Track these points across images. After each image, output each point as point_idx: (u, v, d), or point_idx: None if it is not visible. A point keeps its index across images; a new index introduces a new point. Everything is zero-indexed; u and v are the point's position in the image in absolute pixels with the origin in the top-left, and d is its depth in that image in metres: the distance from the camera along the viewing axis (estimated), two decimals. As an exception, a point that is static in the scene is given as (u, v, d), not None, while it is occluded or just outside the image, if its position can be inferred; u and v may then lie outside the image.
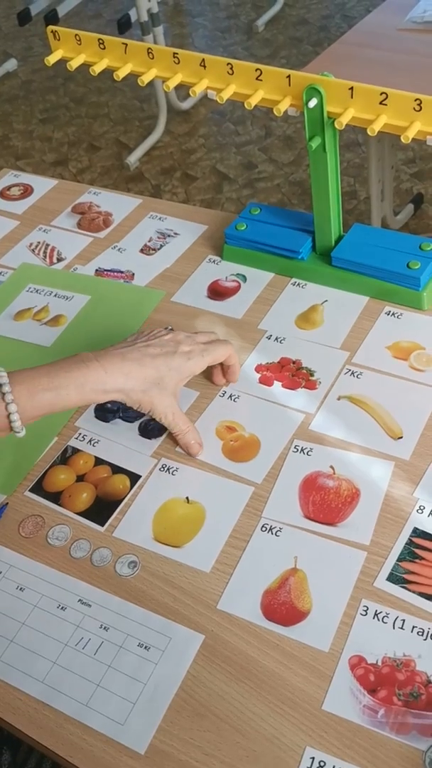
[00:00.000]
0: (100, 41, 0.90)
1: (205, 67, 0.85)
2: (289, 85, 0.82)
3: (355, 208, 2.36)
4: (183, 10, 3.65)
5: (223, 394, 0.84)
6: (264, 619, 0.66)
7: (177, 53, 0.86)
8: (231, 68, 0.84)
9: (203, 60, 0.85)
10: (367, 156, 1.94)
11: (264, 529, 0.72)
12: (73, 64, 0.91)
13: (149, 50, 0.88)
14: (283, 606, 0.66)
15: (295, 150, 2.66)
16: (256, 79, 0.83)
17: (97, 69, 0.90)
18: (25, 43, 3.54)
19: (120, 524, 0.75)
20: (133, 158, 2.69)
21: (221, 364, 0.83)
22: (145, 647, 0.66)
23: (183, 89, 0.88)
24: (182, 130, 2.85)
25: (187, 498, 0.76)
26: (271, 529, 0.72)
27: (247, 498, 0.74)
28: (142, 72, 0.89)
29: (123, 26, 2.69)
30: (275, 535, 0.71)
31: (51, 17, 2.82)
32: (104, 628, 0.68)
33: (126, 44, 0.89)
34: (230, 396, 0.84)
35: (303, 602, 0.66)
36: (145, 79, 0.88)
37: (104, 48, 0.90)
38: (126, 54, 0.89)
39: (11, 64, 3.31)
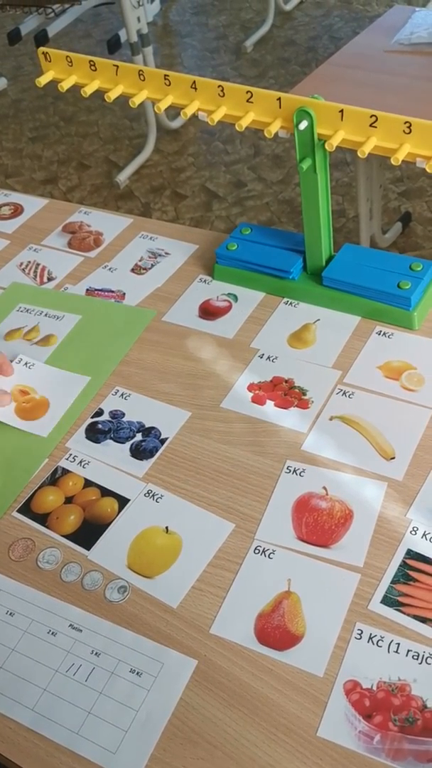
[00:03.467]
0: (91, 63, 0.90)
1: (196, 89, 0.86)
2: (280, 107, 0.82)
3: (344, 226, 2.37)
4: (172, 30, 3.68)
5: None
6: (257, 644, 0.65)
7: (168, 75, 0.86)
8: (222, 90, 0.84)
9: (194, 82, 0.85)
10: (356, 175, 1.96)
11: (257, 551, 0.71)
12: (64, 86, 0.92)
13: (140, 72, 0.88)
14: (276, 630, 0.66)
15: (284, 169, 2.68)
16: (247, 101, 0.83)
17: (88, 90, 0.91)
18: (15, 63, 3.56)
19: (97, 546, 0.74)
20: (122, 176, 2.70)
21: None
22: (137, 673, 0.65)
23: (173, 109, 0.88)
24: (172, 148, 2.87)
25: (166, 528, 0.75)
26: (264, 551, 0.71)
27: (226, 534, 0.73)
28: (133, 94, 0.89)
29: (113, 46, 2.71)
30: (268, 557, 0.71)
31: (41, 37, 2.84)
32: (95, 653, 0.67)
33: (117, 66, 0.89)
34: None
35: (297, 626, 0.66)
36: (137, 100, 0.88)
37: (95, 69, 0.91)
38: (117, 75, 0.90)
39: (1, 83, 3.32)
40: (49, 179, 2.80)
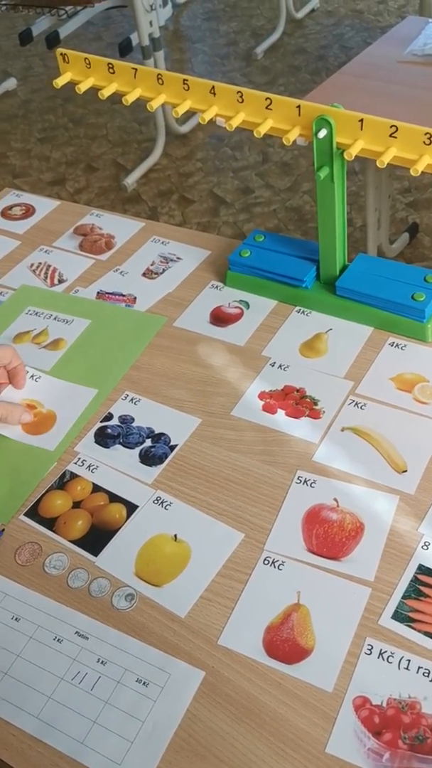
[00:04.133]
0: (110, 65, 0.90)
1: (214, 94, 0.85)
2: (299, 115, 0.82)
3: (351, 235, 2.36)
4: (183, 35, 3.69)
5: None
6: (266, 656, 0.64)
7: (187, 80, 0.86)
8: (241, 96, 0.84)
9: (213, 87, 0.85)
10: (365, 185, 1.96)
11: (266, 562, 0.71)
12: (82, 88, 0.91)
13: (159, 76, 0.88)
14: (285, 643, 0.65)
15: (292, 176, 2.68)
16: (266, 108, 0.83)
17: (105, 93, 0.90)
18: (26, 63, 3.56)
19: (105, 553, 0.73)
20: (130, 180, 2.70)
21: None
22: (144, 683, 0.64)
23: (183, 113, 0.88)
24: (180, 153, 2.87)
25: (175, 536, 0.74)
26: (273, 562, 0.71)
27: (236, 544, 0.72)
28: (151, 97, 0.89)
29: (124, 50, 2.71)
30: (278, 568, 0.70)
31: (52, 38, 2.84)
32: (101, 662, 0.66)
33: (135, 69, 0.89)
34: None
35: (306, 639, 0.65)
36: (154, 104, 0.88)
37: (113, 72, 0.90)
38: (135, 79, 0.89)
39: (11, 83, 3.32)
40: (56, 180, 2.80)
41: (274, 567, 0.70)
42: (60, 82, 0.93)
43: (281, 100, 0.82)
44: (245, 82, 3.21)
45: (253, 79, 3.23)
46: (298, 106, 0.81)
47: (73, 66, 0.93)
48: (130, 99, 0.89)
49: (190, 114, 0.87)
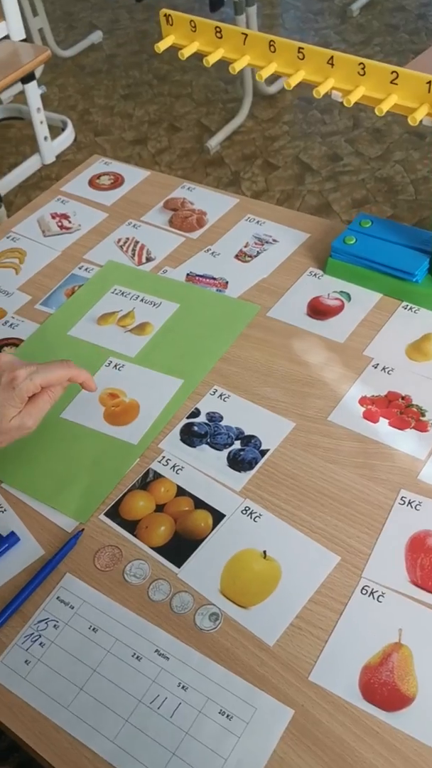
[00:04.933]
0: (218, 29, 0.82)
1: (332, 65, 0.77)
2: (429, 91, 0.73)
3: (445, 211, 2.23)
4: (275, -11, 3.52)
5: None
6: (362, 700, 0.59)
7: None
8: (363, 68, 0.75)
9: (332, 57, 0.77)
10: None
11: (364, 591, 0.65)
12: (185, 53, 0.84)
13: (271, 43, 0.79)
14: (384, 687, 0.59)
15: (384, 144, 2.53)
16: (391, 82, 0.74)
17: (211, 60, 0.83)
18: (112, 15, 3.47)
19: (188, 564, 0.69)
20: (213, 142, 2.61)
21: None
22: (227, 716, 0.60)
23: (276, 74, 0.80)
24: (266, 115, 2.75)
25: (264, 552, 0.69)
26: (372, 592, 0.65)
27: (330, 568, 0.67)
28: (260, 66, 0.81)
29: (215, 4, 2.59)
30: (377, 600, 0.64)
31: (141, -10, 2.74)
32: (183, 687, 0.62)
33: (246, 35, 0.81)
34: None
35: (408, 685, 0.59)
36: (264, 74, 0.80)
37: (221, 37, 0.83)
38: (245, 45, 0.81)
39: (96, 36, 3.25)
40: (138, 140, 2.73)
41: (373, 598, 0.64)
42: (162, 46, 0.86)
43: (410, 74, 0.73)
44: (339, 41, 3.05)
45: (347, 37, 3.07)
46: (429, 82, 0.72)
47: (177, 29, 0.85)
48: (237, 67, 0.82)
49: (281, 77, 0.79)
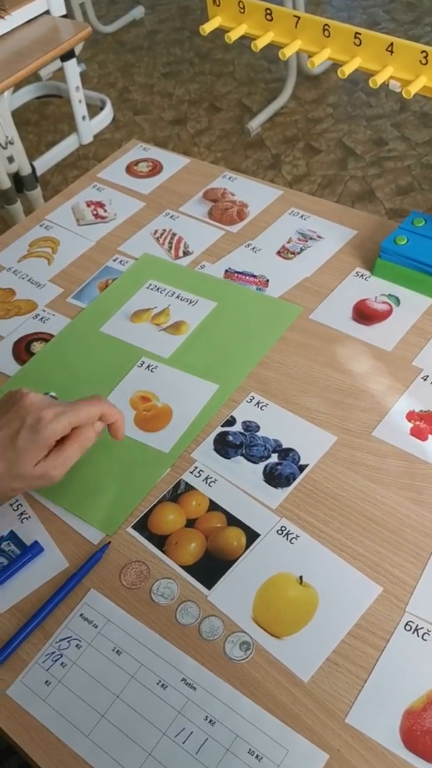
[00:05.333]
0: (268, 11, 0.76)
1: (392, 52, 0.71)
2: None
3: None
4: (323, -36, 3.41)
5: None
6: (403, 748, 0.55)
7: (359, 33, 0.72)
8: (425, 57, 0.69)
9: (391, 44, 0.71)
10: None
11: (408, 627, 0.60)
12: (232, 36, 0.79)
13: (326, 27, 0.74)
14: (428, 735, 0.55)
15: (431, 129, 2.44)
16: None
17: (260, 44, 0.77)
18: (154, -10, 3.40)
19: (219, 586, 0.65)
20: (255, 123, 2.54)
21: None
22: (257, 756, 0.56)
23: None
24: (310, 96, 2.67)
25: (300, 578, 0.64)
26: (417, 629, 0.60)
27: (372, 599, 0.62)
28: (313, 52, 0.75)
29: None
30: (422, 638, 0.60)
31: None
32: (210, 721, 0.58)
33: (298, 18, 0.75)
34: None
35: (453, 735, 0.55)
36: (316, 60, 0.75)
37: (271, 20, 0.77)
38: (296, 29, 0.76)
39: (138, 12, 3.18)
40: (178, 120, 2.67)
41: (417, 635, 0.60)
42: (207, 28, 0.81)
43: None
44: (387, 19, 2.94)
45: (396, 16, 2.96)
46: None
47: (224, 10, 0.80)
48: (287, 53, 0.76)
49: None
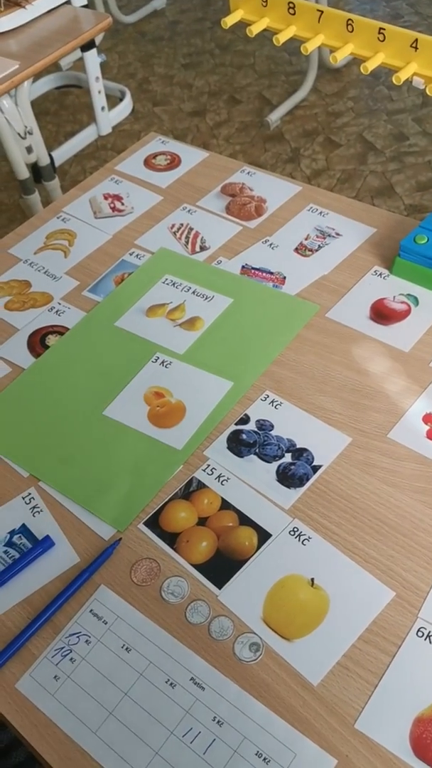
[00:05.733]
0: (290, 5, 0.75)
1: (416, 48, 0.70)
2: None
3: None
4: None
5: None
6: (413, 756, 0.54)
7: (384, 29, 0.71)
8: (416, 44, 0.68)
9: (416, 40, 0.69)
10: None
11: (420, 634, 0.60)
12: (254, 30, 0.78)
13: (349, 22, 0.73)
14: (437, 743, 0.54)
15: (454, 124, 2.41)
16: None
17: (281, 38, 0.76)
18: (176, -20, 3.38)
19: (229, 586, 0.64)
20: (274, 116, 2.52)
21: None
22: (265, 759, 0.56)
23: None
24: (331, 89, 2.65)
25: (312, 580, 0.64)
26: (429, 636, 0.59)
27: (384, 604, 0.61)
28: (336, 47, 0.74)
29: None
30: (434, 644, 0.59)
31: None
32: (218, 722, 0.58)
33: (321, 12, 0.74)
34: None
35: (463, 743, 0.54)
36: (339, 56, 0.73)
37: (294, 14, 0.76)
38: (319, 23, 0.75)
39: (160, 2, 3.16)
40: (197, 111, 2.65)
41: (430, 642, 0.59)
42: (229, 21, 0.80)
43: None
44: (411, 13, 2.91)
45: (420, 10, 2.92)
46: None
47: (246, 3, 0.79)
48: (310, 47, 0.75)
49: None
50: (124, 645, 0.63)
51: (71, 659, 0.62)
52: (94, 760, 0.57)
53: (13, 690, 0.61)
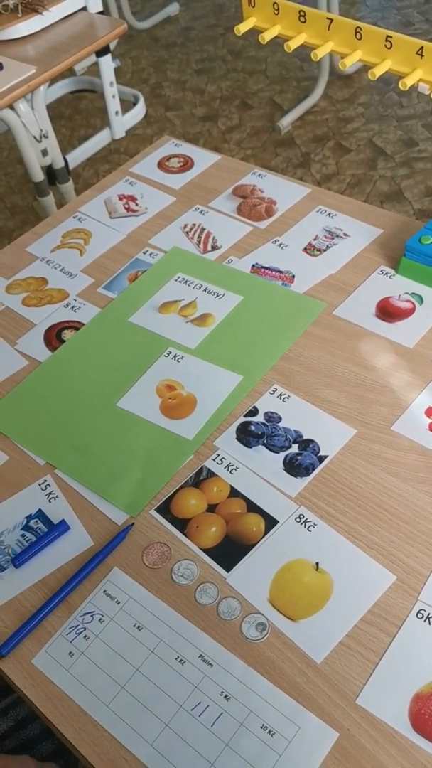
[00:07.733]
0: (301, 13, 0.78)
1: (422, 56, 0.73)
2: None
3: None
4: (358, -38, 3.40)
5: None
6: (411, 730, 0.57)
7: (390, 36, 0.74)
8: (421, 51, 0.71)
9: (421, 48, 0.72)
10: None
11: (420, 615, 0.62)
12: (266, 36, 0.81)
13: (357, 30, 0.75)
14: (435, 718, 0.57)
15: (463, 131, 2.44)
16: None
17: (292, 45, 0.79)
18: (189, -13, 3.42)
19: (237, 569, 0.67)
20: (285, 121, 2.55)
21: None
22: (270, 731, 0.58)
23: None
24: (341, 95, 2.68)
25: (317, 564, 0.66)
26: (428, 617, 0.62)
27: (385, 587, 0.64)
28: (344, 53, 0.77)
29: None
30: (433, 625, 0.61)
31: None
32: (225, 696, 0.60)
33: (331, 20, 0.77)
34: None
35: (460, 718, 0.57)
36: (348, 62, 0.76)
37: (305, 21, 0.79)
38: (329, 31, 0.78)
39: (173, 9, 3.20)
40: (209, 116, 2.69)
41: (429, 623, 0.62)
42: (242, 28, 0.83)
43: None
44: (421, 20, 2.94)
45: (431, 18, 2.95)
46: None
47: (259, 11, 0.82)
48: (320, 54, 0.78)
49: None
50: (135, 624, 0.65)
51: (85, 636, 0.65)
52: (106, 730, 0.60)
53: (29, 665, 0.64)
